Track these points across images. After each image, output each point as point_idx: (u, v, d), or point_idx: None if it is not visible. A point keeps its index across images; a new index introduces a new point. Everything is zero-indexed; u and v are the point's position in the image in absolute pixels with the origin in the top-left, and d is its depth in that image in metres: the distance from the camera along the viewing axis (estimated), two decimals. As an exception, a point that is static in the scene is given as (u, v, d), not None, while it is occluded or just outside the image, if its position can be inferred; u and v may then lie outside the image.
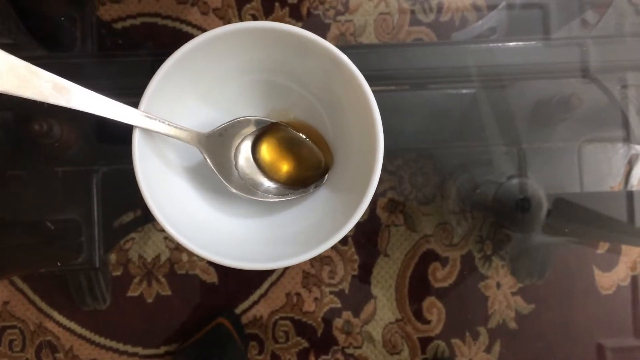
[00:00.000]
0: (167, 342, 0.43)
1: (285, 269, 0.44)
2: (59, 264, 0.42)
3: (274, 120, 0.33)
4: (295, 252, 0.28)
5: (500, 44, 0.43)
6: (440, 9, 0.44)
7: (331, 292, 0.44)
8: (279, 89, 0.34)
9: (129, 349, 0.43)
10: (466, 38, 0.44)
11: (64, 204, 0.41)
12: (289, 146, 0.34)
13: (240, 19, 0.44)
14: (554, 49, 0.43)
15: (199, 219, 0.32)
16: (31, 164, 0.42)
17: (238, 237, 0.32)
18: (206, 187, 0.33)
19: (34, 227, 0.42)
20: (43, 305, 0.43)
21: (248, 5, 0.44)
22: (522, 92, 0.43)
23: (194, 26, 0.43)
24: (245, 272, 0.42)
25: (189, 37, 0.31)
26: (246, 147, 0.33)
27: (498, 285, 0.44)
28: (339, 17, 0.44)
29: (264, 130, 0.33)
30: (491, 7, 0.44)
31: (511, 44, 0.43)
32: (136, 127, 0.28)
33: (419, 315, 0.44)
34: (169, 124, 0.29)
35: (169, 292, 0.43)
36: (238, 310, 0.44)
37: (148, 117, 0.28)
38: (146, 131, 0.28)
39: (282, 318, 0.44)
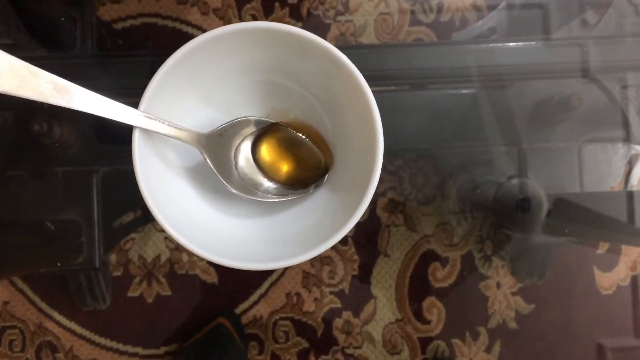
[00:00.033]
0: (167, 342, 0.43)
1: (285, 269, 0.44)
2: (59, 264, 0.42)
3: (273, 121, 0.33)
4: (295, 252, 0.28)
5: (500, 44, 0.43)
6: (440, 9, 0.44)
7: (331, 292, 0.44)
8: (278, 89, 0.34)
9: (129, 349, 0.43)
10: (466, 38, 0.44)
11: (64, 204, 0.41)
12: (289, 146, 0.33)
13: (240, 19, 0.44)
14: (554, 49, 0.43)
15: (199, 219, 0.32)
16: (31, 164, 0.41)
17: (238, 237, 0.32)
18: (206, 188, 0.33)
19: (34, 227, 0.42)
20: (43, 305, 0.43)
21: (248, 6, 0.44)
22: (522, 92, 0.43)
23: (194, 26, 0.44)
24: (245, 272, 0.42)
25: (189, 37, 0.31)
26: (246, 147, 0.33)
27: (498, 285, 0.44)
28: (339, 18, 0.44)
29: (264, 131, 0.33)
30: (491, 7, 0.44)
31: (511, 44, 0.43)
32: (136, 127, 0.28)
33: (419, 315, 0.44)
34: (168, 124, 0.29)
35: (169, 292, 0.43)
36: (238, 311, 0.44)
37: (148, 117, 0.28)
38: (146, 131, 0.28)
39: (282, 318, 0.44)
